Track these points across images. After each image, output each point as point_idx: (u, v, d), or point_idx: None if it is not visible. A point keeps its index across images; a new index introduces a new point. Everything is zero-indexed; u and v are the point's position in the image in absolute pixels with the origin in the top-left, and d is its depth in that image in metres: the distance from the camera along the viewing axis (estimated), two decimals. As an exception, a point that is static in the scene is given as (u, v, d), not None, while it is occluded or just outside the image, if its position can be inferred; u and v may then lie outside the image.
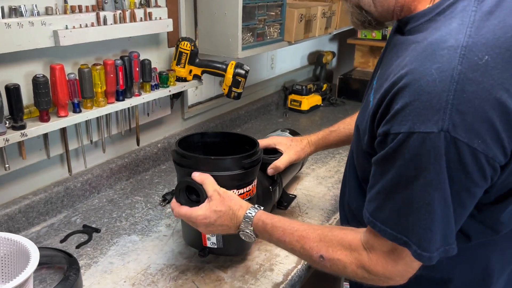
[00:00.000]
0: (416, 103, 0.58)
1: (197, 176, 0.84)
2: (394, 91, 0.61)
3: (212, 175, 0.84)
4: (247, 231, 0.81)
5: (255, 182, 0.92)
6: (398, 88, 0.60)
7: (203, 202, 0.83)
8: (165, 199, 1.19)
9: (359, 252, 0.69)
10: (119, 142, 1.29)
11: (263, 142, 1.08)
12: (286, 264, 0.96)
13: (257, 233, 0.80)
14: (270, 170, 1.05)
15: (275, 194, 1.05)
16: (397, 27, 0.75)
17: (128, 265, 0.95)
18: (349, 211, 0.88)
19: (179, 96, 1.41)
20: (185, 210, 0.84)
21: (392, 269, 0.67)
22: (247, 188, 0.89)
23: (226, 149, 0.98)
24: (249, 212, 0.81)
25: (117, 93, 1.15)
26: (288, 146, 1.10)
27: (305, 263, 0.97)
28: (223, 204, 0.82)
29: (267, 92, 2.00)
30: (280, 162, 1.06)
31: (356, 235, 0.71)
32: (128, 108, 1.23)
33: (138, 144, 1.30)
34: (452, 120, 0.56)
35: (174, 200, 0.87)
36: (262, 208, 0.83)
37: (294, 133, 1.32)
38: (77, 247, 1.00)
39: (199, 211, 0.82)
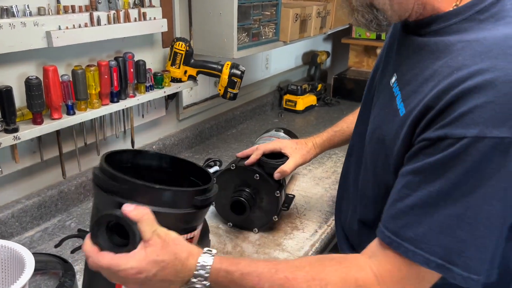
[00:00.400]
0: (491, 105, 0.52)
1: (131, 210, 0.57)
2: (455, 93, 0.54)
3: (152, 211, 0.59)
4: (200, 286, 0.60)
5: (200, 228, 0.70)
6: (464, 89, 0.54)
7: (135, 247, 0.57)
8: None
9: (368, 286, 0.59)
10: (113, 144, 1.27)
11: (268, 147, 1.06)
12: (285, 266, 0.95)
13: (216, 287, 0.60)
14: (277, 174, 1.02)
15: (281, 199, 1.04)
16: (405, 27, 0.72)
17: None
18: (356, 227, 0.83)
19: (174, 97, 1.40)
20: (109, 258, 0.57)
21: None
22: (191, 234, 0.66)
23: (163, 178, 0.70)
24: (203, 261, 0.60)
25: (112, 94, 1.13)
26: (293, 150, 1.07)
27: (304, 265, 0.96)
28: (166, 251, 0.57)
29: (262, 92, 1.99)
30: (287, 167, 1.02)
31: (361, 265, 0.61)
32: (123, 109, 1.21)
33: (133, 146, 1.28)
34: None
35: (88, 242, 0.59)
36: (216, 252, 0.62)
37: (288, 132, 1.31)
38: (72, 251, 0.98)
39: (131, 262, 0.56)
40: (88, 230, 0.61)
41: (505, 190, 0.53)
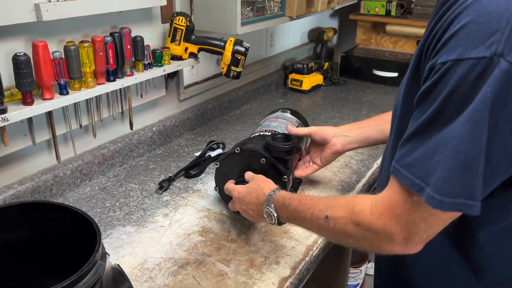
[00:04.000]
0: (472, 26, 0.51)
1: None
2: (449, 17, 0.54)
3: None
4: (269, 208, 0.80)
5: None
6: (457, 11, 0.53)
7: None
8: (162, 187, 1.11)
9: (361, 208, 0.63)
10: (111, 126, 1.21)
11: (303, 131, 1.07)
12: (293, 256, 0.90)
13: (278, 210, 0.79)
14: (290, 129, 1.06)
15: (288, 183, 0.98)
16: None
17: (123, 260, 0.88)
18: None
19: (174, 76, 1.32)
20: (230, 185, 0.93)
21: (394, 225, 0.59)
22: None
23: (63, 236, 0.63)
24: (272, 190, 0.81)
25: (108, 73, 1.06)
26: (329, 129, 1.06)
27: (313, 254, 0.91)
28: (256, 182, 0.87)
29: (267, 71, 1.91)
30: (299, 129, 1.05)
31: (367, 195, 0.66)
32: (120, 89, 1.14)
33: (131, 128, 1.22)
34: (510, 43, 0.49)
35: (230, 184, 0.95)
36: (284, 190, 0.82)
37: (295, 113, 1.24)
38: (68, 240, 0.93)
39: (237, 186, 0.90)
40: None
41: (481, 117, 0.52)
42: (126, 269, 0.85)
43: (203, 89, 1.52)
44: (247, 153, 0.97)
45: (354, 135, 1.03)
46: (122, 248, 0.91)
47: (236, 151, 0.97)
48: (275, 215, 0.79)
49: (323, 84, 2.00)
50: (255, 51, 1.80)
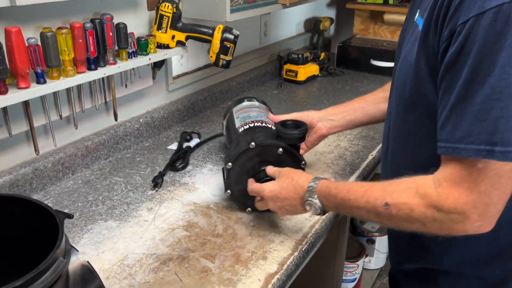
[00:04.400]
0: None
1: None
2: None
3: None
4: (312, 200, 0.77)
5: None
6: None
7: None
8: (157, 183, 1.06)
9: (426, 190, 0.62)
10: (94, 117, 1.16)
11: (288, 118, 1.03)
12: (281, 251, 0.86)
13: (322, 200, 0.76)
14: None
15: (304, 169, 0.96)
16: None
17: (103, 256, 0.84)
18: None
19: (162, 66, 1.28)
20: (256, 185, 0.87)
21: (466, 200, 0.58)
22: None
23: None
24: (312, 181, 0.78)
25: (88, 61, 1.01)
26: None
27: (303, 249, 0.87)
28: (287, 176, 0.83)
29: (261, 62, 1.86)
30: (284, 116, 1.02)
31: (427, 176, 0.64)
32: (103, 78, 1.09)
33: (116, 119, 1.17)
34: None
35: (251, 182, 0.90)
36: (326, 179, 0.79)
37: (260, 100, 1.18)
38: (47, 235, 0.89)
39: (266, 185, 0.85)
40: (64, 211, 0.73)
41: None
42: (105, 266, 0.81)
43: (193, 79, 1.47)
44: (262, 147, 0.91)
45: (339, 118, 1.03)
46: (103, 244, 0.87)
47: (251, 147, 0.91)
48: (320, 205, 0.76)
49: (319, 75, 1.95)
50: (248, 40, 1.75)
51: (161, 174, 1.09)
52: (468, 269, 0.76)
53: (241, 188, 0.93)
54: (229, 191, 0.94)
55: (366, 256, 1.87)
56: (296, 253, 0.85)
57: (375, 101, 1.05)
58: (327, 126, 1.05)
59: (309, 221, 0.95)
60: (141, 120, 1.27)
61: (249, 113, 1.06)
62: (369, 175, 1.19)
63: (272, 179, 0.87)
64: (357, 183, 0.75)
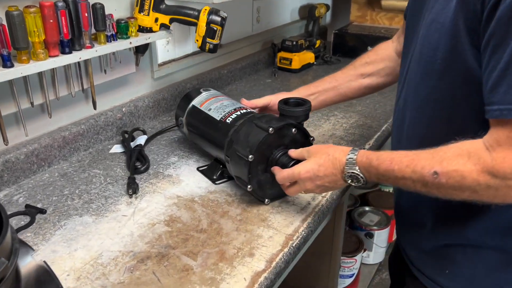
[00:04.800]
0: None
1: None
2: None
3: None
4: (354, 171, 0.73)
5: None
6: None
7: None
8: (134, 190, 0.93)
9: (479, 155, 0.59)
10: (71, 106, 1.09)
11: (261, 101, 1.01)
12: (270, 247, 0.79)
13: (363, 172, 0.72)
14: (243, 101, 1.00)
15: None
16: None
17: (75, 254, 0.77)
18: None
19: (145, 51, 1.20)
20: (287, 170, 0.81)
21: None
22: None
23: None
24: (351, 153, 0.74)
25: (62, 44, 0.94)
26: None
27: (293, 244, 0.80)
28: (321, 152, 0.78)
29: (254, 49, 1.79)
30: (257, 101, 1.00)
31: (475, 141, 0.61)
32: (79, 63, 1.02)
33: (94, 108, 1.10)
34: None
35: (278, 171, 0.84)
36: (363, 148, 0.78)
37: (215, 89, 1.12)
38: (17, 231, 0.82)
39: (300, 167, 0.79)
40: (36, 206, 0.80)
41: None
42: (77, 265, 0.74)
43: (181, 66, 1.40)
44: (279, 130, 0.85)
45: (311, 99, 0.98)
46: (76, 241, 0.80)
47: (271, 132, 0.84)
48: (363, 176, 0.73)
49: (315, 63, 1.88)
50: (240, 27, 1.67)
51: (133, 179, 0.96)
52: (492, 241, 0.73)
53: (260, 179, 0.87)
54: (250, 186, 0.86)
55: (365, 250, 1.81)
56: (286, 249, 0.78)
57: (346, 79, 1.03)
58: None
59: (301, 215, 0.88)
60: (123, 109, 1.20)
61: (221, 102, 0.99)
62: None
63: (298, 161, 0.82)
64: (400, 152, 0.68)
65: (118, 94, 1.20)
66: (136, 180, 0.97)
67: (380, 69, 1.01)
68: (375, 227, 1.86)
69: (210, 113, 0.98)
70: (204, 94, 1.04)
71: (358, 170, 0.72)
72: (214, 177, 0.98)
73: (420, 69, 0.73)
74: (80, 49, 0.97)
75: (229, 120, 0.93)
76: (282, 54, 1.78)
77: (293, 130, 0.87)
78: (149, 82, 1.30)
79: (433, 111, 0.73)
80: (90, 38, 0.99)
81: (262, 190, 0.88)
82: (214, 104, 1.00)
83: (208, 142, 0.99)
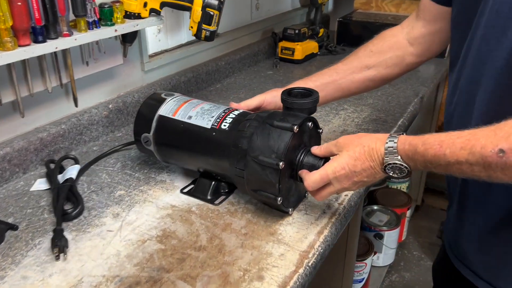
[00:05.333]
0: None
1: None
2: None
3: None
4: (396, 162, 0.63)
5: None
6: None
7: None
8: (61, 248, 0.69)
9: None
10: (49, 103, 0.96)
11: (254, 102, 0.88)
12: (282, 267, 0.66)
13: (407, 160, 0.63)
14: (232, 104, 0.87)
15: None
16: None
17: (50, 280, 0.64)
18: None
19: (134, 40, 1.07)
20: (319, 172, 0.69)
21: None
22: None
23: None
24: (389, 140, 0.64)
25: (34, 31, 0.80)
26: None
27: (310, 264, 0.67)
28: (353, 144, 0.67)
29: (253, 39, 1.66)
30: (248, 102, 0.87)
31: None
32: (56, 54, 0.89)
33: (76, 105, 0.97)
34: None
35: (307, 177, 0.71)
36: (402, 133, 0.65)
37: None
38: (-18, 253, 0.69)
39: (334, 164, 0.67)
40: (6, 221, 0.70)
41: None
42: (51, 295, 0.61)
43: (174, 58, 1.26)
44: (301, 126, 0.73)
45: None
46: (51, 264, 0.67)
47: (296, 130, 0.71)
48: (406, 166, 0.63)
49: (318, 53, 1.75)
50: (238, 14, 1.54)
51: (60, 231, 0.72)
52: None
53: (286, 187, 0.74)
54: (280, 197, 0.72)
55: (375, 253, 1.70)
56: (301, 270, 0.66)
57: (348, 71, 0.90)
58: None
59: (316, 226, 0.75)
60: (110, 106, 1.07)
61: (200, 107, 0.83)
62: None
63: (327, 159, 0.72)
64: (450, 133, 0.59)
65: (104, 89, 1.07)
66: (66, 232, 0.73)
67: (387, 58, 0.88)
68: (384, 228, 1.75)
69: (192, 121, 0.81)
70: (171, 101, 0.85)
71: (401, 160, 0.62)
72: (209, 197, 0.83)
73: (506, 53, 0.62)
74: (56, 38, 0.84)
75: (224, 126, 0.78)
76: (283, 43, 1.65)
77: (310, 124, 0.75)
78: (138, 75, 1.17)
79: None
80: (68, 25, 0.86)
81: (286, 199, 0.76)
82: (191, 111, 0.82)
83: (196, 156, 0.82)
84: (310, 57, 1.69)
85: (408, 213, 1.88)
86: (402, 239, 1.94)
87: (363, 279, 1.62)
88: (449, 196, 0.82)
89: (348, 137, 0.69)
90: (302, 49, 1.64)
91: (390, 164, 0.63)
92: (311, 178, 0.69)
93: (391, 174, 0.64)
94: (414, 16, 0.88)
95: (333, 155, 0.70)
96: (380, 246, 1.77)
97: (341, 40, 1.86)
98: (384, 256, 1.81)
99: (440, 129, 2.24)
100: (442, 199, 2.29)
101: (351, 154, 0.66)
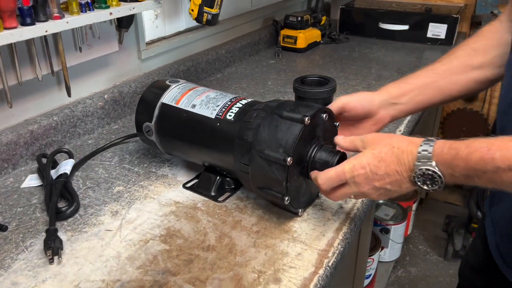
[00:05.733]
0: None
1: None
2: None
3: None
4: (429, 168, 0.53)
5: None
6: None
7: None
8: (54, 250, 0.62)
9: None
10: (40, 93, 0.89)
11: (333, 106, 0.74)
12: (300, 268, 0.60)
13: (444, 168, 0.53)
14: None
15: None
16: None
17: (43, 287, 0.58)
18: None
19: (130, 25, 1.00)
20: (334, 169, 0.61)
21: None
22: None
23: None
24: (424, 143, 0.55)
25: (22, 13, 0.73)
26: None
27: (330, 263, 0.61)
28: (382, 143, 0.58)
29: (253, 27, 1.59)
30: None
31: None
32: (46, 38, 0.82)
33: (69, 94, 0.90)
34: None
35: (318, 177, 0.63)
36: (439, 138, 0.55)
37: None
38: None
39: (353, 161, 0.59)
40: None
41: None
42: (44, 303, 0.55)
43: (172, 46, 1.19)
44: (313, 118, 0.65)
45: (406, 101, 0.74)
46: (45, 268, 0.61)
47: (307, 122, 0.64)
48: (441, 175, 0.53)
49: (321, 41, 1.68)
50: (237, 1, 1.47)
51: (54, 232, 0.65)
52: None
53: (295, 186, 0.67)
54: (288, 197, 0.65)
55: (382, 249, 1.64)
56: (321, 271, 0.60)
57: (448, 72, 0.77)
58: (392, 113, 0.75)
59: (334, 222, 0.69)
60: (106, 97, 1.00)
61: (205, 95, 0.76)
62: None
63: (343, 156, 0.65)
64: (501, 137, 0.50)
65: (98, 78, 1.00)
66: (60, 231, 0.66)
67: (493, 57, 0.76)
68: (391, 222, 1.70)
69: (196, 110, 0.74)
70: (175, 88, 0.79)
71: (436, 168, 0.53)
72: (213, 193, 0.76)
73: None
74: (46, 20, 0.77)
75: (230, 116, 0.72)
76: (285, 31, 1.58)
77: (324, 116, 0.68)
78: (135, 64, 1.10)
79: None
80: (58, 7, 0.78)
81: (295, 199, 0.68)
82: (196, 99, 0.76)
83: (199, 148, 0.76)
84: (313, 45, 1.63)
85: (414, 206, 1.83)
86: (408, 233, 1.89)
87: (370, 275, 1.57)
88: (491, 197, 0.74)
89: (379, 134, 0.62)
90: (305, 37, 1.57)
91: (421, 170, 0.54)
92: (325, 175, 0.62)
93: (420, 184, 0.55)
94: (510, 6, 0.77)
95: (357, 151, 0.62)
96: (386, 241, 1.72)
97: (344, 28, 1.80)
98: (391, 251, 1.76)
99: (445, 120, 2.19)
100: (446, 191, 2.25)
101: (375, 153, 0.58)
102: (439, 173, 0.52)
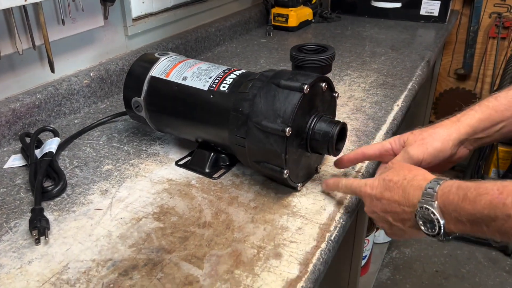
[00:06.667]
0: None
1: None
2: None
3: None
4: (429, 208, 0.48)
5: None
6: None
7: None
8: (40, 230, 0.59)
9: None
10: (21, 69, 0.84)
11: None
12: (301, 243, 0.58)
13: (445, 211, 0.48)
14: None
15: None
16: None
17: (29, 268, 0.54)
18: None
19: (115, 0, 0.95)
20: (356, 180, 0.61)
21: None
22: None
23: None
24: (434, 180, 0.50)
25: (-2, -20, 0.68)
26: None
27: (332, 237, 0.59)
28: (401, 171, 0.55)
29: (243, 5, 1.54)
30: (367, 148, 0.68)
31: None
32: (25, 9, 0.77)
33: (52, 71, 0.85)
34: None
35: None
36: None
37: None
38: None
39: (369, 181, 0.58)
40: None
41: None
42: (31, 285, 0.51)
43: (160, 22, 1.15)
44: (312, 87, 0.61)
45: (492, 133, 0.63)
46: (31, 249, 0.57)
47: (306, 91, 0.60)
48: (439, 218, 0.48)
49: (313, 20, 1.64)
50: (227, -22, 1.42)
51: (39, 211, 0.61)
52: None
53: (293, 158, 0.64)
54: (287, 170, 0.62)
55: (377, 230, 1.63)
56: (323, 245, 0.57)
57: None
58: (471, 147, 0.65)
59: (333, 197, 0.67)
60: (91, 74, 0.95)
61: (197, 66, 0.73)
62: (398, 129, 0.91)
63: (343, 128, 0.64)
64: (508, 180, 0.44)
65: (83, 55, 0.96)
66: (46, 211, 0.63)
67: None
68: (385, 203, 1.69)
69: (187, 83, 0.71)
70: (165, 60, 0.75)
71: (436, 208, 0.48)
72: (207, 170, 0.73)
73: None
74: (25, -11, 0.72)
75: (224, 87, 0.68)
76: (276, 10, 1.54)
77: (323, 85, 0.65)
78: (122, 41, 1.05)
79: None
80: (38, -25, 0.73)
81: (294, 173, 0.65)
82: (187, 71, 0.72)
83: (192, 123, 0.72)
84: (304, 24, 1.59)
85: (408, 187, 1.82)
86: (402, 214, 1.88)
87: (365, 256, 1.56)
88: None
89: (403, 164, 0.58)
90: (297, 15, 1.53)
91: (422, 209, 0.49)
92: (348, 181, 0.62)
93: (420, 224, 0.50)
94: None
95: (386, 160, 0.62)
96: (380, 222, 1.71)
97: (336, 7, 1.76)
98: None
99: (438, 100, 2.17)
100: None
101: (390, 178, 0.55)
102: (437, 215, 0.48)
